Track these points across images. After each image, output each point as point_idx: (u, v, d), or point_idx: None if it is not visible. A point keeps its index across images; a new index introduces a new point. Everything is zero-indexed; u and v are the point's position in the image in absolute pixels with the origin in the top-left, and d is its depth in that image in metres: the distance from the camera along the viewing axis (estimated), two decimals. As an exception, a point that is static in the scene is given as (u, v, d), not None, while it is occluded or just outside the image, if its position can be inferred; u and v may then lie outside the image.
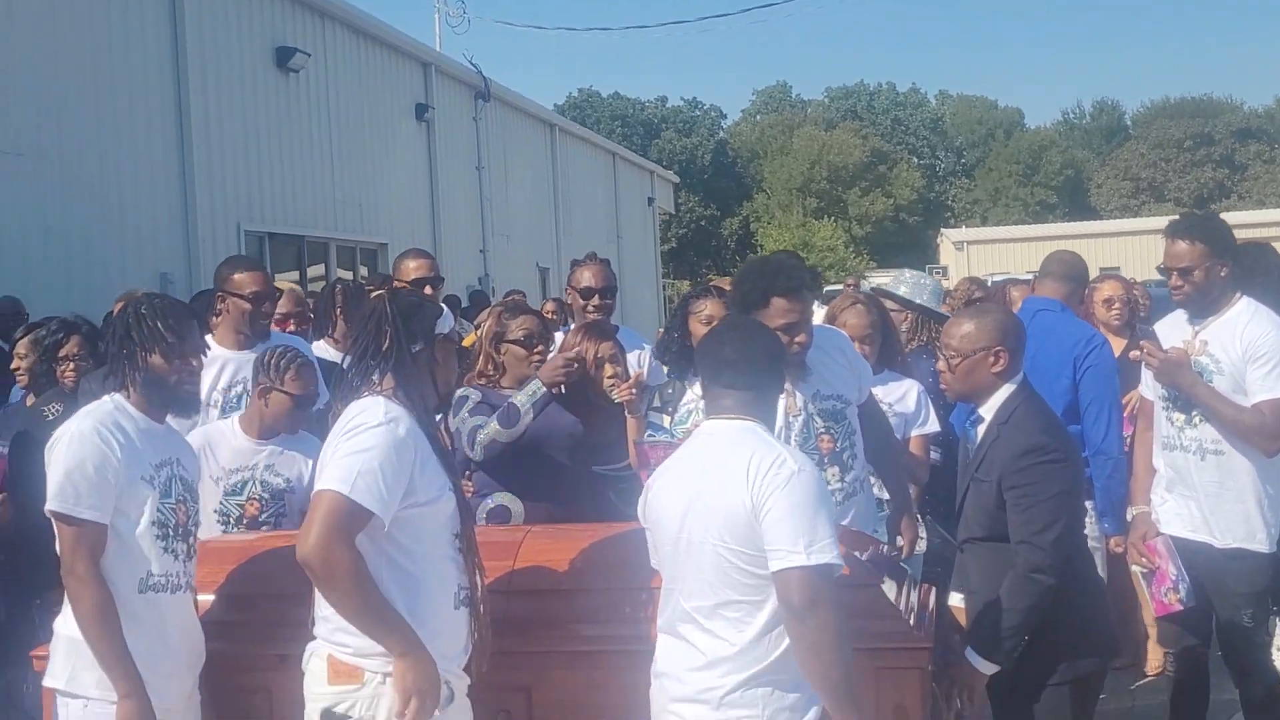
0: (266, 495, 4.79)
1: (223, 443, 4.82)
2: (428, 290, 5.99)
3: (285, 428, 4.84)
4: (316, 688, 3.43)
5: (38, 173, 11.36)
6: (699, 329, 5.17)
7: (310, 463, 4.65)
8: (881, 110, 77.43)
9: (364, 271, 18.32)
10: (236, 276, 5.40)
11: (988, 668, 3.99)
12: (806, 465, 3.27)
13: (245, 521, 4.76)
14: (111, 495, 3.57)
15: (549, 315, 7.15)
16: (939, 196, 73.25)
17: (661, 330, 6.49)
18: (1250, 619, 4.82)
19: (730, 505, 3.23)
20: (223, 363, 5.25)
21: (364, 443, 3.31)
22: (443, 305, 3.72)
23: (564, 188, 27.64)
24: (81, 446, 3.56)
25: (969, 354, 4.17)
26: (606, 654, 3.84)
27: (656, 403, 5.26)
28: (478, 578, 3.56)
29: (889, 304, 6.15)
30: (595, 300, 5.81)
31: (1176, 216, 5.17)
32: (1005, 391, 4.16)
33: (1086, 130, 78.13)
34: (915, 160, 73.68)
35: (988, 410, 4.17)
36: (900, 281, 6.71)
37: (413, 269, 6.25)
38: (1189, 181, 64.61)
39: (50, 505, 3.54)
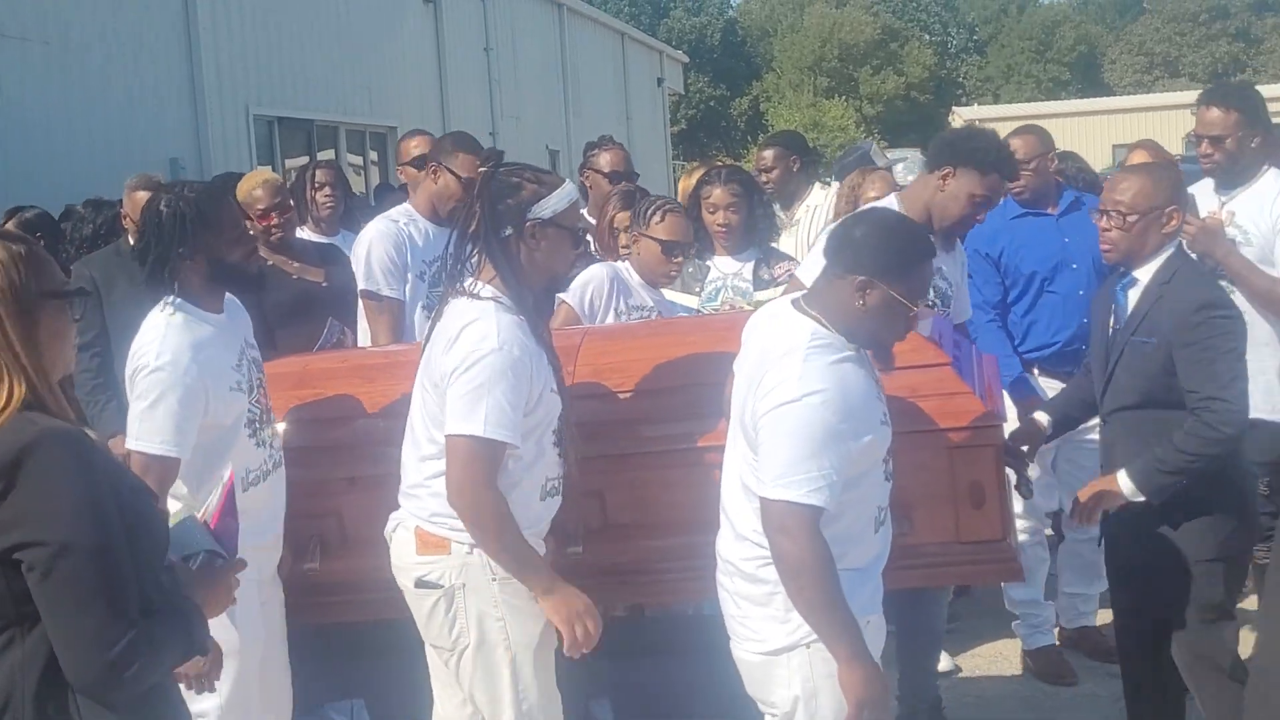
0: None
1: (626, 281, 4.78)
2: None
3: (652, 278, 4.77)
4: (405, 558, 3.47)
5: (45, 58, 11.27)
6: (708, 216, 5.17)
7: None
8: (893, -14, 76.22)
9: (373, 155, 18.22)
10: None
11: (1133, 495, 3.91)
12: (818, 393, 3.04)
13: None
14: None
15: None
16: (950, 74, 72.25)
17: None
18: (1267, 487, 4.83)
19: (744, 404, 3.21)
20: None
21: (481, 376, 3.26)
22: (564, 182, 3.50)
23: (573, 69, 27.36)
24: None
25: (1145, 211, 3.97)
26: (676, 452, 3.75)
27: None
28: (572, 461, 3.54)
29: None
30: (621, 185, 5.81)
31: (1197, 91, 5.14)
32: (1167, 252, 4.01)
33: (1100, 5, 76.72)
34: (927, 37, 72.56)
35: (1144, 273, 4.01)
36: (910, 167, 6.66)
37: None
38: (1203, 56, 63.53)
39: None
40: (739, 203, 5.15)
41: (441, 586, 3.41)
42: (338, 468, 3.92)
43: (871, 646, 3.16)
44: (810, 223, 6.28)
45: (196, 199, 3.68)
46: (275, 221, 5.46)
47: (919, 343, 3.70)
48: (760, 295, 4.94)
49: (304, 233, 6.11)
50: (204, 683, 3.33)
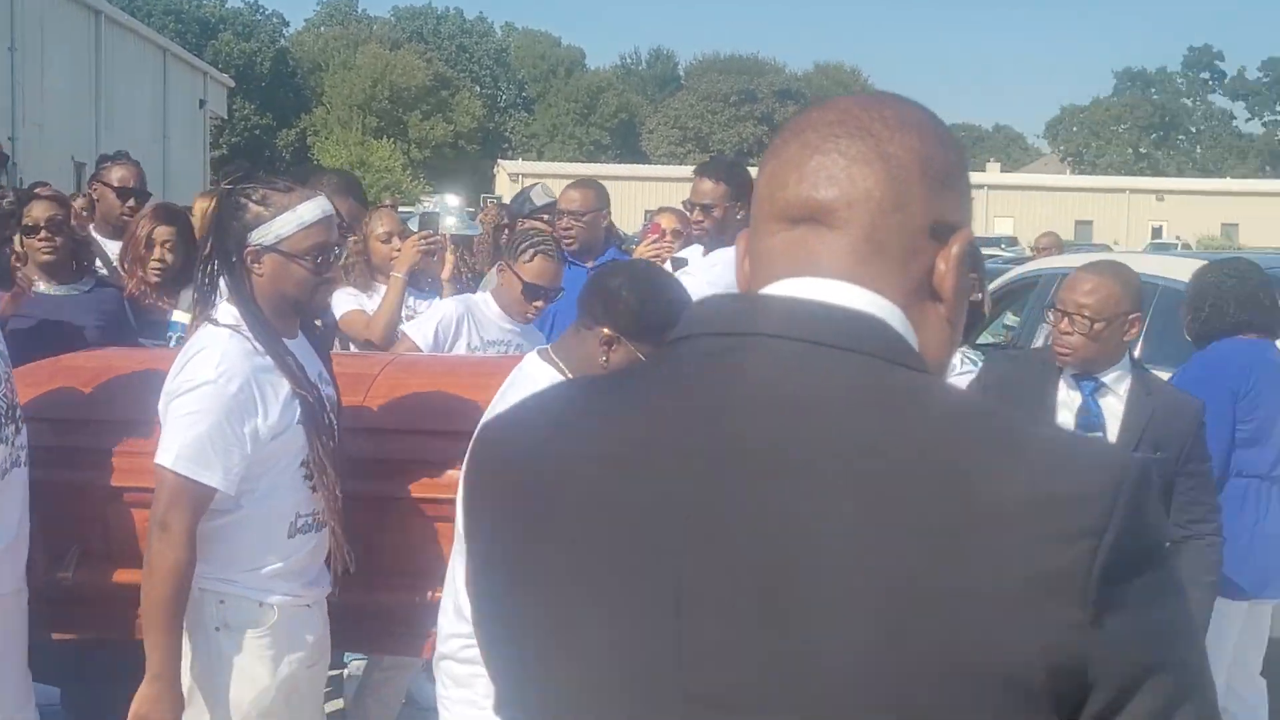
0: None
1: (482, 314, 4.66)
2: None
3: (511, 314, 4.65)
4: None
5: None
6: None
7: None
8: (447, 35, 77.36)
9: None
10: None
11: None
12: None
13: None
14: None
15: (80, 212, 6.84)
16: (498, 127, 74.11)
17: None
18: None
19: None
20: None
21: (190, 406, 3.00)
22: (303, 201, 3.14)
23: (108, 80, 26.25)
24: None
25: (1113, 318, 3.67)
26: (441, 501, 3.41)
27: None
28: (333, 496, 3.22)
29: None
30: (130, 202, 5.70)
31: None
32: (1126, 358, 3.82)
33: (642, 76, 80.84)
34: (478, 89, 74.12)
35: (1116, 380, 3.78)
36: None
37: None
38: (732, 135, 68.07)
39: None
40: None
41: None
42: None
43: None
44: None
45: None
46: None
47: None
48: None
49: None
50: None
